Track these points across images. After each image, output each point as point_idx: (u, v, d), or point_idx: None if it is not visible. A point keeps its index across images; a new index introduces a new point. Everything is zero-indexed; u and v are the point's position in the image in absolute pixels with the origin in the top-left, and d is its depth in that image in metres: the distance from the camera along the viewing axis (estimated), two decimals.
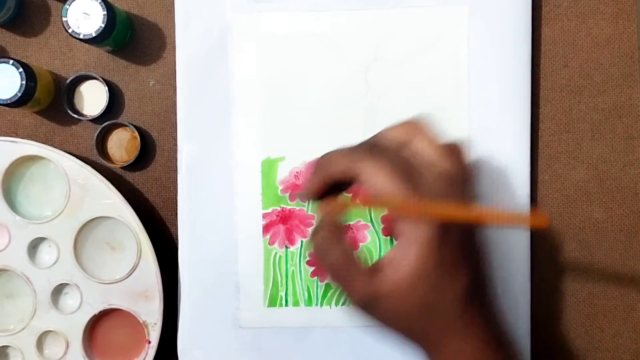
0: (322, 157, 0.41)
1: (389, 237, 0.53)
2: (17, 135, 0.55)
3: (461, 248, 0.39)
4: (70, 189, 0.51)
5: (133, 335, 0.53)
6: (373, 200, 0.38)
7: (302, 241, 0.53)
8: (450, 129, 0.51)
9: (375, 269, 0.38)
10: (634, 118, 0.54)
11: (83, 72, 0.54)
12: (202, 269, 0.53)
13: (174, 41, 0.53)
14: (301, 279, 0.53)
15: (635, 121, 0.54)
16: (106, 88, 0.54)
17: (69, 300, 0.53)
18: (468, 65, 0.52)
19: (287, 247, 0.53)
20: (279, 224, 0.53)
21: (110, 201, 0.51)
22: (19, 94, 0.50)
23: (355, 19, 0.52)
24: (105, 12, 0.50)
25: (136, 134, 0.54)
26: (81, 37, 0.50)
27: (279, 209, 0.53)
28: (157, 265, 0.51)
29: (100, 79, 0.54)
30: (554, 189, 0.54)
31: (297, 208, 0.53)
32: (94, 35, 0.50)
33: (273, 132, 0.53)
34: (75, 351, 0.52)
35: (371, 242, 0.53)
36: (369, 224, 0.53)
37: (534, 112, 0.53)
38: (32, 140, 0.51)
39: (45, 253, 0.53)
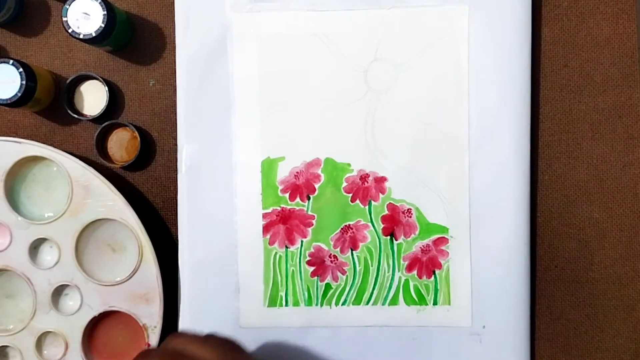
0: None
1: (389, 237, 0.53)
2: (17, 135, 0.55)
3: None
4: (72, 190, 0.51)
5: (132, 338, 0.53)
6: None
7: (302, 241, 0.53)
8: (450, 129, 0.52)
9: None
10: (634, 118, 0.54)
11: (83, 72, 0.54)
12: (202, 269, 0.53)
13: (174, 41, 0.53)
14: (301, 279, 0.53)
15: (635, 121, 0.54)
16: (106, 88, 0.54)
17: (69, 301, 0.53)
18: (468, 65, 0.52)
19: (287, 247, 0.53)
20: (279, 224, 0.53)
21: (113, 203, 0.51)
22: (19, 94, 0.50)
23: (355, 18, 0.52)
24: (105, 12, 0.50)
25: (136, 134, 0.54)
26: (81, 37, 0.50)
27: (279, 208, 0.53)
28: (158, 269, 0.51)
29: (100, 79, 0.54)
30: (554, 189, 0.54)
31: (297, 208, 0.53)
32: (94, 35, 0.50)
33: (273, 132, 0.53)
34: (74, 352, 0.52)
35: (371, 242, 0.53)
36: (369, 224, 0.53)
37: (534, 112, 0.53)
38: (32, 140, 0.51)
39: (47, 254, 0.53)
